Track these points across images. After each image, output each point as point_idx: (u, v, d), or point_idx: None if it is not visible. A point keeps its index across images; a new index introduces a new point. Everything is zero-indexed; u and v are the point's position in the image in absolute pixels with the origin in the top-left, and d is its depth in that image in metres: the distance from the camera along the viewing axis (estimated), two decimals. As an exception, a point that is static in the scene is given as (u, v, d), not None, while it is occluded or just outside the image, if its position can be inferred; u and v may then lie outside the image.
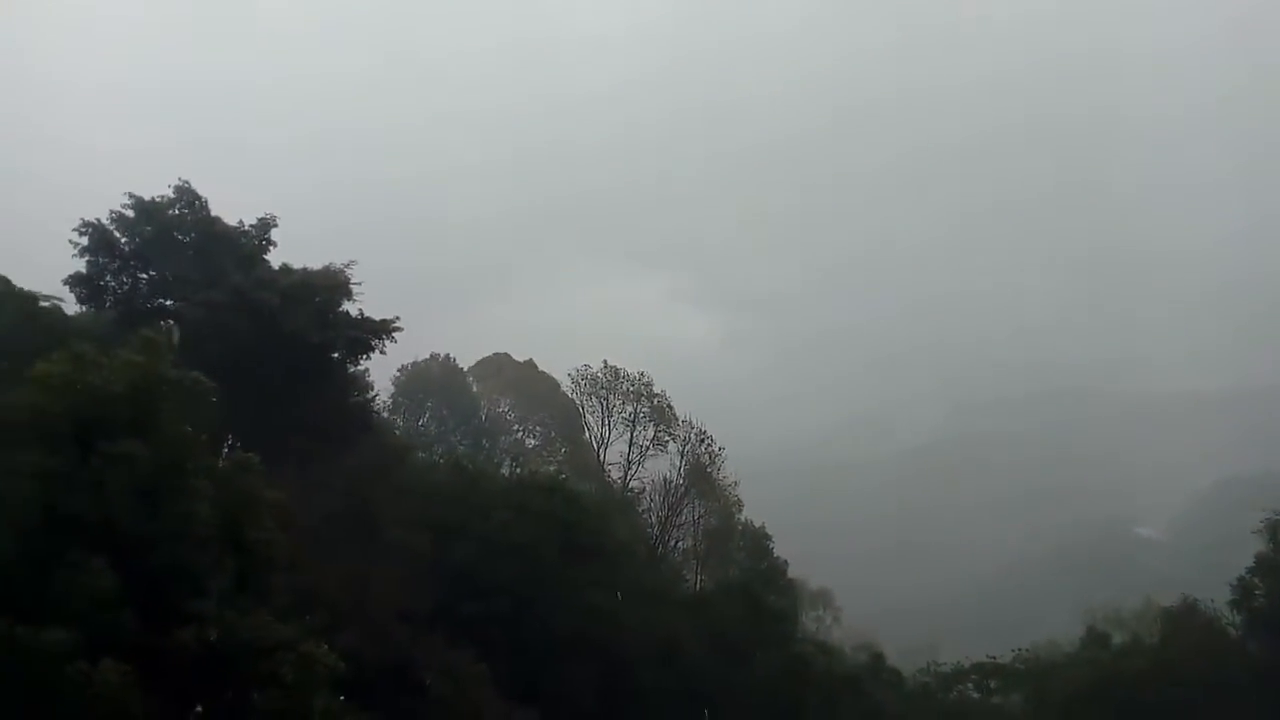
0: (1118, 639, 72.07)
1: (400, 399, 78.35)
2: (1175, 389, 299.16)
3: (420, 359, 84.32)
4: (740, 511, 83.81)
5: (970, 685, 75.13)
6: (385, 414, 70.92)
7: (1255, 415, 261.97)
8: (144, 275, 48.38)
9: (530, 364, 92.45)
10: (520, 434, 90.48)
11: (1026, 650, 74.32)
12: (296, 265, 49.67)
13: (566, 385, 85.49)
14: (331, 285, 48.81)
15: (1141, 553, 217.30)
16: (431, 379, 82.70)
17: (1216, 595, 66.89)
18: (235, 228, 49.84)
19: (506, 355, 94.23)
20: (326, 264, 49.75)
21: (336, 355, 50.23)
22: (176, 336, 40.84)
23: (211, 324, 45.22)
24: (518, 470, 74.86)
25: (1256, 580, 65.27)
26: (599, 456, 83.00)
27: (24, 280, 44.57)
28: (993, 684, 74.40)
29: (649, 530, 78.32)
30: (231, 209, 50.77)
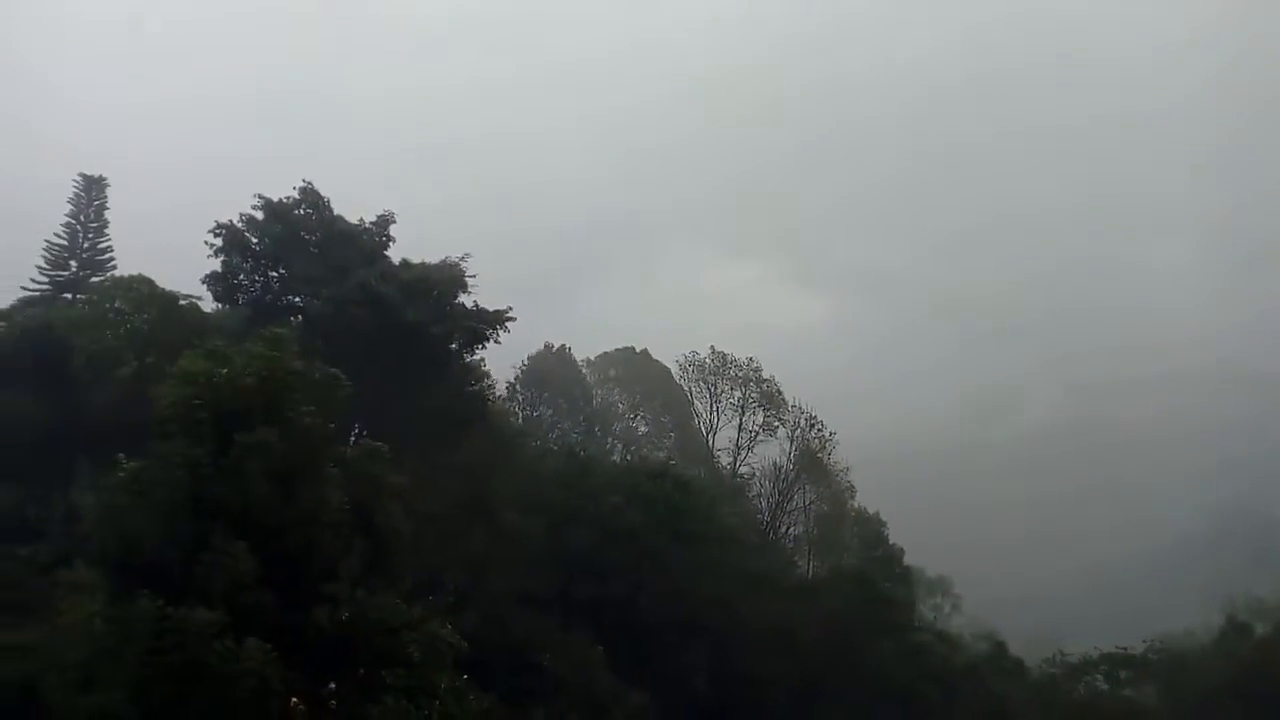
0: (1260, 630, 68.20)
1: (517, 388, 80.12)
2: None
3: (536, 350, 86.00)
4: (853, 497, 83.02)
5: (1099, 677, 72.29)
6: (503, 403, 72.64)
7: None
8: (274, 273, 50.74)
9: (645, 354, 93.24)
10: (632, 421, 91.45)
11: (1160, 641, 71.10)
12: (415, 261, 51.37)
13: (676, 373, 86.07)
14: (448, 279, 50.29)
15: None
16: (547, 369, 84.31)
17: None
18: (356, 225, 51.83)
19: (631, 349, 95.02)
20: (443, 258, 51.30)
21: (454, 346, 51.71)
22: (299, 331, 42.62)
23: (337, 318, 47.27)
24: (628, 457, 75.73)
25: None
26: (708, 442, 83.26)
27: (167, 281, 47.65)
28: (1123, 675, 71.44)
29: (759, 516, 78.18)
30: (353, 210, 52.83)
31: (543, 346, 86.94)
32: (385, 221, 52.01)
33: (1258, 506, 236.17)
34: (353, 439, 42.31)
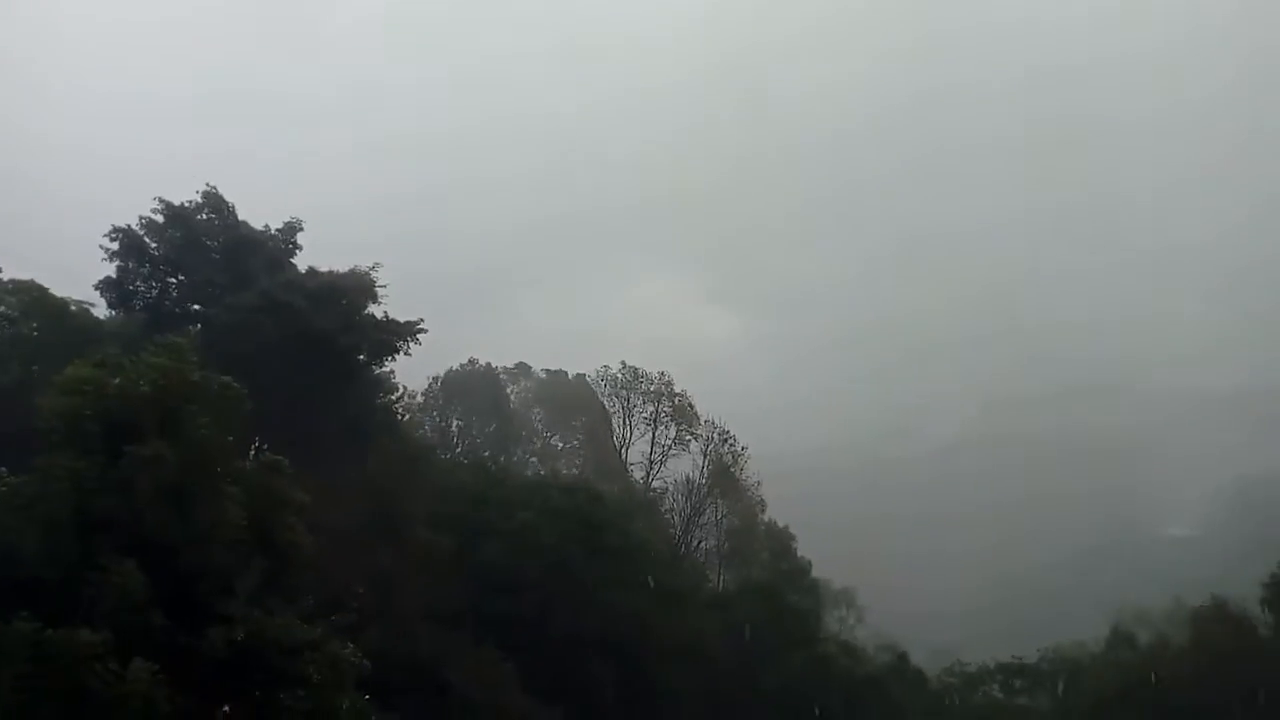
0: (1144, 639, 71.30)
1: (429, 402, 79.00)
2: (1204, 384, 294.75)
3: (456, 366, 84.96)
4: (763, 512, 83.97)
5: (996, 686, 74.63)
6: (414, 416, 71.50)
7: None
8: (173, 280, 49.04)
9: (560, 372, 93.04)
10: (548, 436, 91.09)
11: (1052, 651, 73.73)
12: (323, 270, 50.21)
13: (592, 387, 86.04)
14: (357, 288, 49.25)
15: (1170, 552, 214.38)
16: (461, 384, 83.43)
17: (1247, 595, 66.00)
18: (262, 232, 50.41)
19: (549, 368, 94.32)
20: (352, 267, 50.25)
21: (362, 357, 50.67)
22: (198, 340, 41.26)
23: (239, 327, 45.75)
24: (542, 471, 75.34)
25: (1289, 578, 64.37)
26: (621, 457, 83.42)
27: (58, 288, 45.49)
28: (1018, 684, 73.88)
29: (672, 530, 78.57)
30: (258, 215, 51.40)
31: (463, 359, 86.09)
32: (292, 228, 50.69)
33: (1145, 522, 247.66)
34: (253, 453, 40.97)
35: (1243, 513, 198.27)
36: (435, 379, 78.85)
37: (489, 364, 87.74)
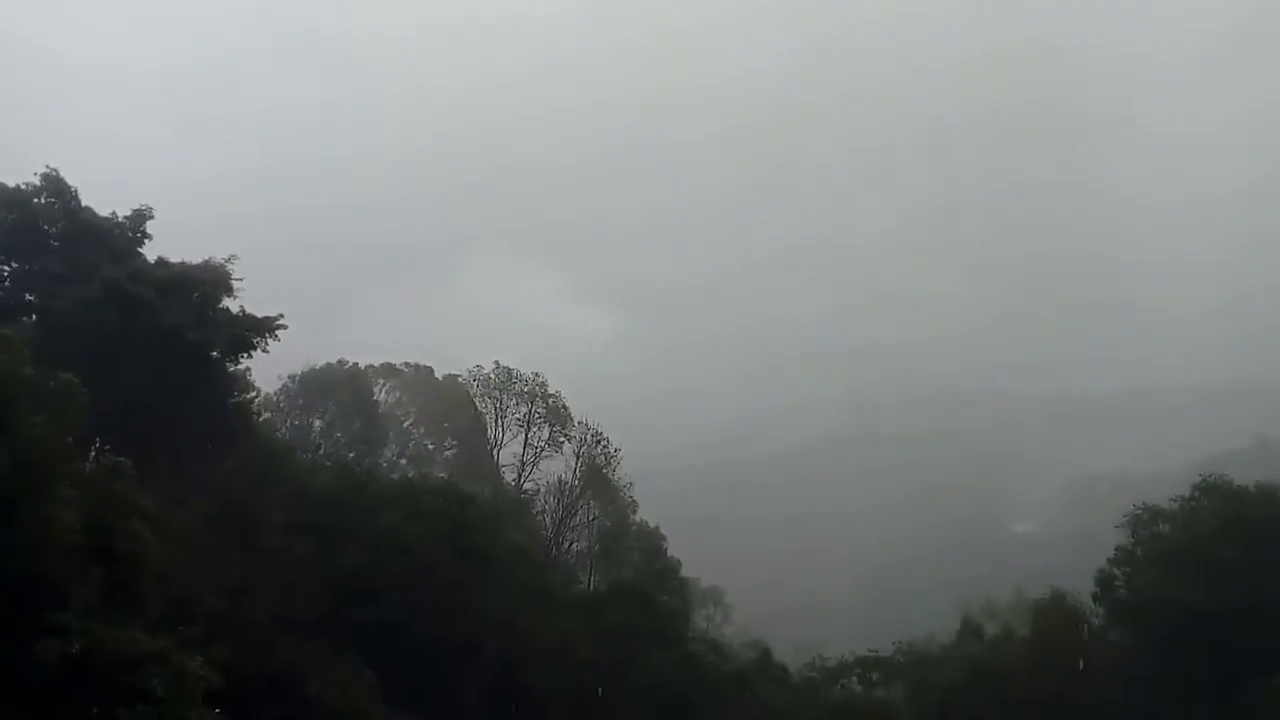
0: (991, 631, 74.88)
1: (288, 402, 76.06)
2: (1053, 389, 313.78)
3: (317, 364, 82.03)
4: (635, 512, 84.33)
5: (854, 679, 77.06)
6: (272, 416, 68.85)
7: (1112, 417, 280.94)
8: (6, 268, 45.78)
9: (428, 369, 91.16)
10: (419, 437, 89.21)
11: (906, 644, 76.68)
12: (175, 261, 47.75)
13: (464, 387, 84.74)
14: (211, 280, 47.09)
15: (1016, 547, 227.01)
16: (323, 381, 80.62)
17: (1082, 588, 70.16)
18: (108, 220, 47.53)
19: (416, 365, 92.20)
20: (206, 258, 47.97)
21: (216, 354, 48.44)
22: (33, 333, 38.70)
23: (81, 320, 43.11)
24: (410, 474, 73.70)
25: (1116, 571, 68.83)
26: (493, 458, 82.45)
27: None
28: (874, 677, 76.48)
29: (543, 532, 78.11)
30: (104, 200, 48.47)
31: (328, 357, 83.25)
32: (141, 216, 47.98)
33: (998, 518, 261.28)
34: (94, 455, 38.60)
35: (1083, 509, 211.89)
36: (293, 377, 75.95)
37: (355, 363, 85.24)
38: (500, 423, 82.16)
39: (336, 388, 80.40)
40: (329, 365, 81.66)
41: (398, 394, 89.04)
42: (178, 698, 29.63)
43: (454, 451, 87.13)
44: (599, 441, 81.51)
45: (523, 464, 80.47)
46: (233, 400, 50.64)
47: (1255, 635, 56.72)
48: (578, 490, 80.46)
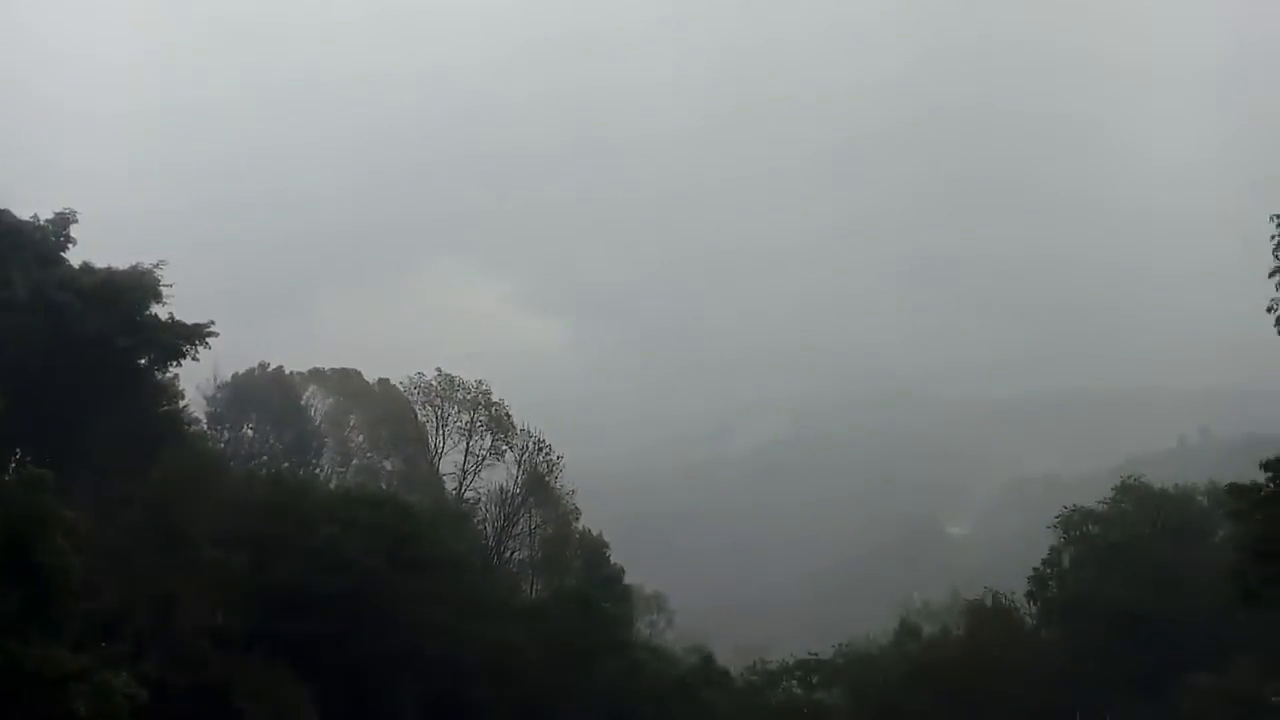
0: (928, 631, 76.11)
1: (220, 410, 74.06)
2: (988, 394, 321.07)
3: (253, 369, 79.89)
4: (577, 520, 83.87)
5: (795, 682, 77.58)
6: (203, 426, 67.04)
7: (1045, 420, 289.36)
8: (-81, 273, 43.92)
9: (357, 373, 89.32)
10: (356, 445, 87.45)
11: (846, 645, 77.49)
12: (100, 266, 46.31)
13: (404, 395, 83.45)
14: (139, 286, 45.71)
15: (952, 548, 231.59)
16: (257, 390, 78.60)
17: (1016, 588, 71.76)
18: (28, 223, 45.90)
19: (351, 370, 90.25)
20: (134, 264, 46.60)
21: (144, 362, 47.08)
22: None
23: (2, 327, 41.59)
24: (347, 483, 72.46)
25: (1049, 571, 70.61)
26: (434, 466, 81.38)
27: None
28: (815, 679, 77.08)
29: (484, 541, 77.31)
30: (25, 203, 46.85)
31: (261, 364, 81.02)
32: (65, 220, 46.39)
33: (935, 520, 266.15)
34: (14, 466, 37.30)
35: (1017, 510, 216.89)
36: (223, 384, 74.02)
37: (291, 371, 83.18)
38: (442, 431, 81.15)
39: (264, 395, 78.40)
40: (251, 371, 79.42)
41: (330, 400, 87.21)
42: (103, 716, 28.80)
43: (393, 460, 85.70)
44: (541, 449, 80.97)
45: (464, 473, 79.53)
46: (162, 409, 49.24)
47: (1179, 633, 58.71)
48: (520, 499, 79.80)
